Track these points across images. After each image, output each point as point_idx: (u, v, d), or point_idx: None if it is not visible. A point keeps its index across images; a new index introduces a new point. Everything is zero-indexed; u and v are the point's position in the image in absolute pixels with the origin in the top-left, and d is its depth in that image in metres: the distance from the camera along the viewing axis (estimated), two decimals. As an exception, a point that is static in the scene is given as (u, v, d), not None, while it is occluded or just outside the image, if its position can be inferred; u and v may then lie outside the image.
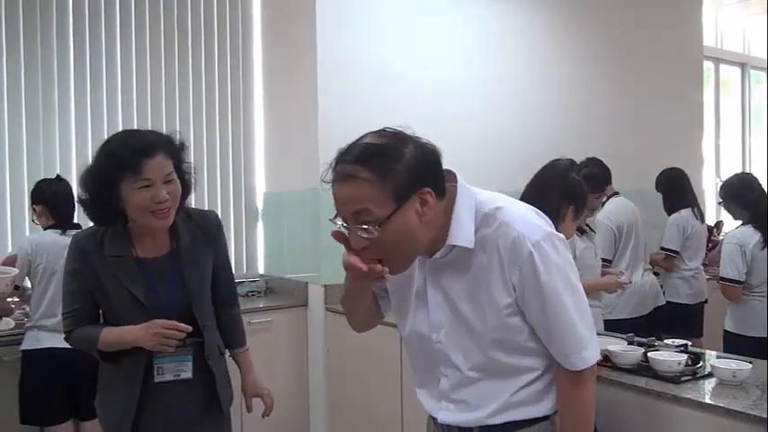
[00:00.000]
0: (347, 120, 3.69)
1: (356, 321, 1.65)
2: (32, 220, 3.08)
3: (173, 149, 1.83)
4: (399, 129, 1.32)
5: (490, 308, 1.37)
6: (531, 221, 1.38)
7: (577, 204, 2.30)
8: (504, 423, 1.43)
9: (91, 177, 1.80)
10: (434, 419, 1.54)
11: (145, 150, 1.74)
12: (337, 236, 1.32)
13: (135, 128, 3.48)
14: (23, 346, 2.84)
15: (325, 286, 3.65)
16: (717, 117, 6.63)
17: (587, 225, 3.04)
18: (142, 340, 1.79)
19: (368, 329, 1.69)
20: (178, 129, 3.97)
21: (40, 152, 3.61)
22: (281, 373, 3.74)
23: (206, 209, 2.23)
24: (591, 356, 1.39)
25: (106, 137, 3.70)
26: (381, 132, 1.32)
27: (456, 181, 1.39)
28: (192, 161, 1.96)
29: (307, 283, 3.84)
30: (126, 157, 1.74)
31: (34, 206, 2.99)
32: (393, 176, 1.25)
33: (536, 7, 4.50)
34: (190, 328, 1.82)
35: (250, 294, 4.02)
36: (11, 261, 2.93)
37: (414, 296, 1.47)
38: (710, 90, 6.48)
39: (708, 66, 6.26)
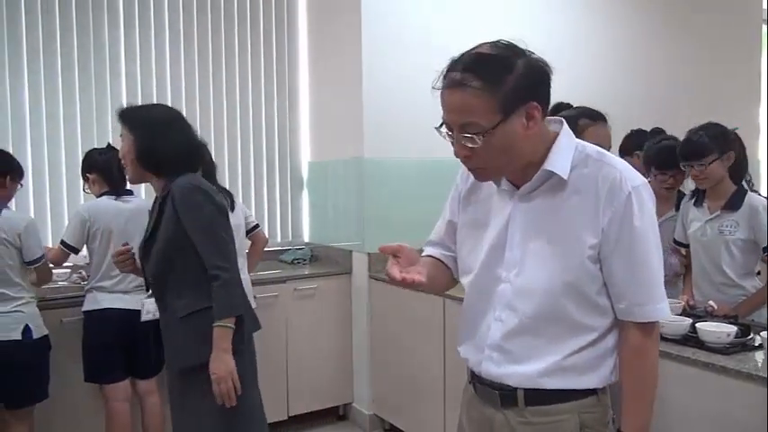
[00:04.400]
0: (392, 89, 3.68)
1: (430, 291, 1.71)
2: (84, 190, 3.19)
3: (123, 115, 2.17)
4: (514, 42, 1.32)
5: (574, 247, 1.33)
6: (632, 169, 1.38)
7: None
8: (552, 390, 1.37)
9: None
10: (475, 378, 1.49)
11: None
12: (386, 250, 1.37)
13: (182, 98, 3.87)
14: (84, 308, 2.97)
15: (369, 254, 3.70)
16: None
17: None
18: None
19: (447, 290, 1.70)
20: (224, 100, 4.08)
21: (93, 123, 3.72)
22: (326, 338, 3.83)
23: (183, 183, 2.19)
24: (665, 310, 1.36)
25: (155, 100, 3.90)
26: (496, 43, 1.30)
27: (563, 124, 1.41)
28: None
29: (351, 251, 3.89)
30: None
31: (87, 175, 3.08)
32: (502, 87, 1.25)
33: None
34: (127, 248, 2.22)
35: (296, 262, 4.09)
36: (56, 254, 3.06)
37: (493, 232, 1.43)
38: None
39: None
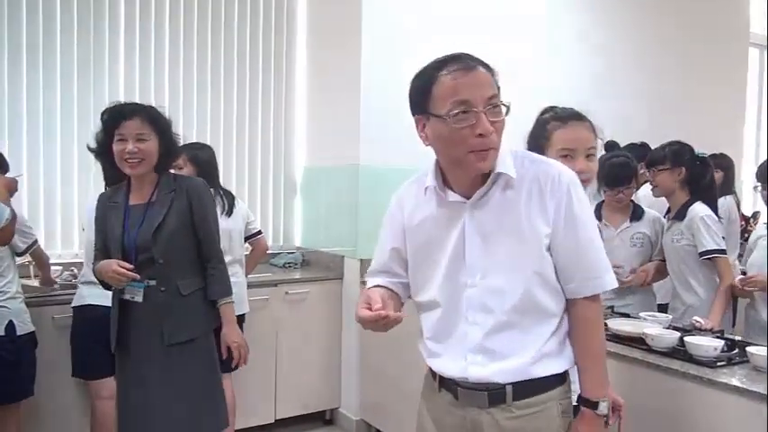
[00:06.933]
0: (389, 96, 3.69)
1: None
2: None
3: (151, 116, 2.30)
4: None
5: (532, 239, 1.44)
6: (563, 165, 1.54)
7: None
8: (538, 379, 1.46)
9: (96, 137, 2.37)
10: (454, 384, 1.51)
11: (123, 114, 2.29)
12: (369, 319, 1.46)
13: (180, 102, 4.00)
14: (73, 303, 2.96)
15: (361, 260, 3.73)
16: (760, 106, 6.49)
17: None
18: (104, 276, 2.28)
19: None
20: (222, 104, 4.11)
21: (90, 123, 3.71)
22: (316, 342, 3.84)
23: (195, 178, 2.59)
24: (612, 280, 1.50)
25: (153, 101, 3.89)
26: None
27: None
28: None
29: (343, 256, 3.92)
30: (107, 118, 2.32)
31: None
32: (497, 80, 1.44)
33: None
34: (134, 276, 2.24)
35: (287, 266, 4.11)
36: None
37: (449, 245, 1.49)
38: (755, 77, 6.35)
39: (753, 53, 6.13)
